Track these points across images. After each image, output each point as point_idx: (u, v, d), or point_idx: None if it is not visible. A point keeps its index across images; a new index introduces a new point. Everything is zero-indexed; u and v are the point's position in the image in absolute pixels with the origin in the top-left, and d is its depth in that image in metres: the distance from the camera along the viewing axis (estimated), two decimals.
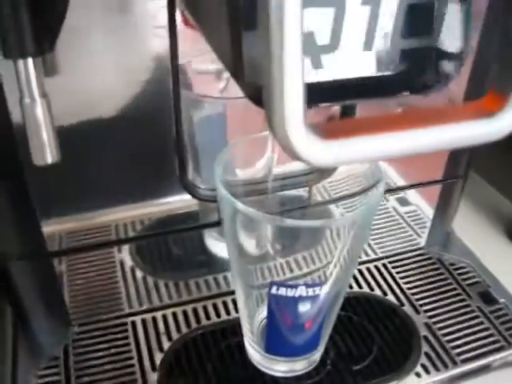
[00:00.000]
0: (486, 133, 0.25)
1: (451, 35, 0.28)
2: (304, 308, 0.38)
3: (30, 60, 0.29)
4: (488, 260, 0.58)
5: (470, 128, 0.25)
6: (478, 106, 0.26)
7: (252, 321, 0.44)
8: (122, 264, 0.49)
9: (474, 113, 0.25)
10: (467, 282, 0.54)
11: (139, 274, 0.50)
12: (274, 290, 0.36)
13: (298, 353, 0.42)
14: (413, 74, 0.29)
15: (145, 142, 0.43)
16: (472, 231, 0.66)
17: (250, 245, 0.41)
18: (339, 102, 0.34)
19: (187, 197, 0.47)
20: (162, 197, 0.47)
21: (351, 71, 0.28)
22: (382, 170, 0.37)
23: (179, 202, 0.48)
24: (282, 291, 0.36)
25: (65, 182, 0.42)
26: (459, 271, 0.55)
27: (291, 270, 0.43)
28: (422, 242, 0.58)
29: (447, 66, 0.29)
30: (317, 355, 0.44)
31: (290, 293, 0.36)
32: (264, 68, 0.21)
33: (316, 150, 0.22)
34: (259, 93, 0.26)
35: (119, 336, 0.47)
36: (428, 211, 0.58)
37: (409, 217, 0.59)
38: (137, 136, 0.42)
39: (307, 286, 0.36)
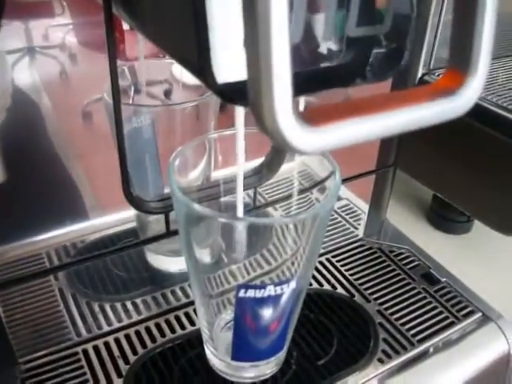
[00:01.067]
0: (449, 110, 0.26)
1: (400, 22, 0.29)
2: (272, 308, 0.37)
3: None
4: (419, 244, 0.60)
5: (437, 107, 0.26)
6: (438, 85, 0.27)
7: (213, 329, 0.43)
8: (61, 292, 0.46)
9: (437, 92, 0.26)
10: (409, 266, 0.56)
11: (82, 299, 0.47)
12: (241, 293, 0.36)
13: (265, 356, 0.41)
14: (364, 63, 0.30)
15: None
16: (399, 219, 0.69)
17: (206, 251, 0.40)
18: (300, 94, 0.34)
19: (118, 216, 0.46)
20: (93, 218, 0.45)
21: (307, 62, 0.29)
22: (332, 159, 0.38)
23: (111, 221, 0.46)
24: (251, 293, 0.36)
25: None
26: (399, 257, 0.57)
27: (248, 273, 0.42)
28: (360, 233, 0.59)
29: (397, 53, 0.30)
30: (283, 355, 0.43)
31: (259, 294, 0.36)
32: (249, 60, 0.20)
33: (307, 138, 0.21)
34: (230, 89, 0.26)
35: (72, 367, 0.44)
36: (359, 203, 0.60)
37: (342, 211, 0.60)
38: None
39: (275, 284, 0.36)
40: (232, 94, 0.26)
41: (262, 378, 0.43)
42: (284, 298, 0.37)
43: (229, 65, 0.25)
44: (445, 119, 0.26)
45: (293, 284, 0.37)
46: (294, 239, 0.36)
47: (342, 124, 0.23)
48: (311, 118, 0.22)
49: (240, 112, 0.32)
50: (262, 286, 0.35)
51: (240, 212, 0.35)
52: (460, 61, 0.26)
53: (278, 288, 0.36)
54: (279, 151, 0.44)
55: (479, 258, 0.75)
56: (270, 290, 0.36)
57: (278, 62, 0.20)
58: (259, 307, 0.37)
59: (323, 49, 0.29)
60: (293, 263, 0.37)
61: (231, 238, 0.39)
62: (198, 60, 0.25)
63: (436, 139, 0.75)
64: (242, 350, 0.41)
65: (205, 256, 0.40)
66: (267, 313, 0.37)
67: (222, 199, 0.45)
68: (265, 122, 0.21)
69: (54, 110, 0.39)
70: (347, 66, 0.30)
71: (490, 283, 0.60)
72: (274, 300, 0.37)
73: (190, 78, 0.50)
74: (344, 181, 0.55)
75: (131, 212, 0.47)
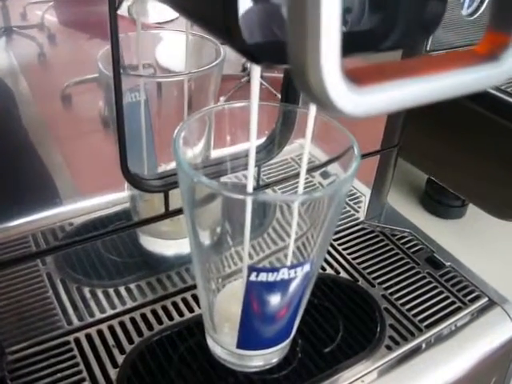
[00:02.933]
0: (493, 76, 0.24)
1: None
2: (284, 292, 0.35)
3: None
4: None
5: (478, 72, 0.24)
6: (479, 50, 0.25)
7: (216, 316, 0.40)
8: (49, 277, 0.43)
9: (477, 57, 0.24)
10: (412, 250, 0.54)
11: (72, 285, 0.44)
12: (253, 277, 0.33)
13: (272, 343, 0.39)
14: (397, 26, 0.28)
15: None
16: (393, 204, 0.67)
17: (212, 230, 0.37)
18: None
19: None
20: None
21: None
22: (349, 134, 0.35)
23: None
24: (262, 277, 0.33)
25: None
26: (402, 240, 0.55)
27: (257, 254, 0.40)
28: (361, 216, 0.57)
29: (432, 14, 0.28)
30: (289, 343, 0.41)
31: (271, 277, 0.33)
32: (292, 12, 0.18)
33: (355, 100, 0.19)
34: (258, 48, 0.23)
35: (64, 357, 0.41)
36: (359, 186, 0.58)
37: None
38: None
39: (289, 267, 0.33)
40: (260, 54, 0.23)
41: (267, 367, 0.41)
42: (296, 282, 0.35)
43: (257, 24, 0.23)
44: (489, 85, 0.24)
45: (307, 267, 0.34)
46: (309, 219, 0.34)
47: (391, 85, 0.20)
48: (357, 77, 0.20)
49: (255, 75, 0.29)
50: (275, 269, 0.33)
51: (250, 187, 0.33)
52: (503, 22, 0.24)
53: (292, 271, 0.33)
54: (286, 126, 0.41)
55: (474, 242, 0.74)
56: (284, 274, 0.33)
57: (328, 14, 0.17)
58: (270, 292, 0.34)
59: (355, 11, 0.26)
60: (308, 244, 0.35)
61: (240, 216, 0.36)
62: (224, 19, 0.23)
63: (431, 123, 0.73)
64: (249, 337, 0.38)
65: (210, 236, 0.37)
66: (278, 298, 0.35)
67: (225, 179, 0.42)
68: (308, 81, 0.19)
69: (31, 94, 0.37)
70: (379, 29, 0.27)
71: (484, 267, 0.59)
72: (287, 284, 0.34)
73: (173, 64, 0.48)
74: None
75: (122, 194, 0.44)
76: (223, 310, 0.40)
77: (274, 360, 0.41)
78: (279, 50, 0.24)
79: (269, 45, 0.23)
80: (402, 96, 0.21)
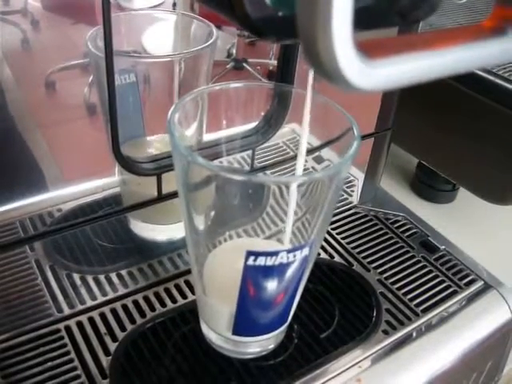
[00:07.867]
0: (503, 51, 0.23)
1: None
2: (282, 277, 0.34)
3: None
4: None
5: (488, 47, 0.23)
6: (487, 25, 0.24)
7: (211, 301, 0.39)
8: (38, 264, 0.42)
9: (486, 31, 0.23)
10: (406, 234, 0.53)
11: (61, 271, 0.43)
12: (250, 261, 0.32)
13: (269, 329, 0.38)
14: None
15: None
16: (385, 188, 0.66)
17: (208, 214, 0.36)
18: None
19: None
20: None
21: None
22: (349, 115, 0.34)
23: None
24: (261, 261, 0.32)
25: None
26: (396, 224, 0.54)
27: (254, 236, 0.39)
28: (354, 200, 0.57)
29: None
30: (285, 329, 0.40)
31: (270, 261, 0.32)
32: None
33: (370, 74, 0.18)
34: (262, 23, 0.23)
35: (54, 346, 0.40)
36: (351, 170, 0.57)
37: None
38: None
39: (288, 251, 0.32)
40: (265, 28, 0.22)
41: (263, 354, 0.40)
42: (295, 266, 0.34)
43: None
44: (501, 59, 0.24)
45: (306, 251, 0.33)
46: (308, 201, 0.33)
47: (403, 58, 0.20)
48: (368, 50, 0.19)
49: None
50: (274, 253, 0.32)
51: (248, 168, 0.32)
52: None
53: (291, 255, 0.32)
54: (281, 107, 0.40)
55: (465, 227, 0.74)
56: (282, 258, 0.32)
57: None
58: (268, 276, 0.34)
59: None
60: (307, 227, 0.34)
61: (236, 199, 0.35)
62: None
63: (421, 106, 0.72)
64: (245, 323, 0.37)
65: (206, 220, 0.36)
66: (276, 282, 0.34)
67: (216, 163, 0.41)
68: (318, 53, 0.18)
69: (15, 80, 0.35)
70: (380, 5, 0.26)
71: (476, 251, 0.59)
72: (285, 268, 0.33)
73: (160, 51, 0.47)
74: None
75: (112, 178, 0.43)
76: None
77: (271, 346, 0.40)
78: (284, 23, 0.23)
79: (273, 19, 0.22)
80: (415, 70, 0.20)
